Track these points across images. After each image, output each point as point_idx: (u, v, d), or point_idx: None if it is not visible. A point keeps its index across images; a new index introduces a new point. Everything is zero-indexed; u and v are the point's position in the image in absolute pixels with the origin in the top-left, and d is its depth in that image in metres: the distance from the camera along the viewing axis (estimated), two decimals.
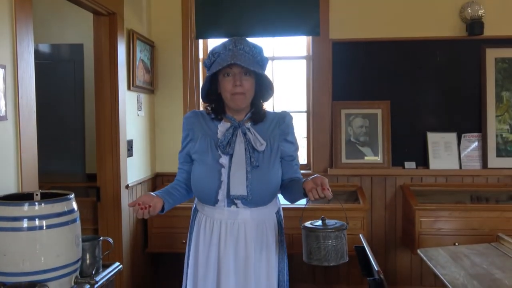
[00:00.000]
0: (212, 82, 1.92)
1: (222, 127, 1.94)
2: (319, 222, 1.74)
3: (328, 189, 1.68)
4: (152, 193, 1.84)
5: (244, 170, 1.85)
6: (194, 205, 2.05)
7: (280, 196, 2.06)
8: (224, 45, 1.88)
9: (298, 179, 1.94)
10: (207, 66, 1.92)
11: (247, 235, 1.90)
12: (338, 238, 1.70)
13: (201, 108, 2.10)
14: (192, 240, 1.99)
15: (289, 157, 1.97)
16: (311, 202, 1.76)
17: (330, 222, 1.74)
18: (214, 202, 1.90)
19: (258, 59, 1.90)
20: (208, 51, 1.96)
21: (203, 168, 1.90)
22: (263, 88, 1.94)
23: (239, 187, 1.84)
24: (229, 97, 1.87)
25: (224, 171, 1.87)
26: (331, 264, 1.71)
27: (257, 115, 1.95)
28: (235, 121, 1.92)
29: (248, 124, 1.94)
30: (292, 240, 3.25)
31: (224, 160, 1.88)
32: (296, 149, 2.01)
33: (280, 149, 1.94)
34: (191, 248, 1.99)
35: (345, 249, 1.73)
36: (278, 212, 2.03)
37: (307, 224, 1.75)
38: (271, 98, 2.01)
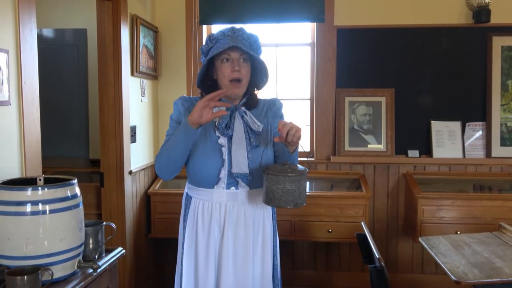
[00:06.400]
0: (208, 68, 1.94)
1: (218, 110, 1.92)
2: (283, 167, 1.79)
3: (287, 127, 1.73)
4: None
5: (244, 149, 1.90)
6: (186, 193, 2.05)
7: None
8: (222, 32, 1.91)
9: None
10: (204, 52, 1.93)
11: (247, 216, 1.94)
12: (295, 182, 1.74)
13: None
14: (187, 228, 1.98)
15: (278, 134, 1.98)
16: (288, 146, 1.84)
17: (293, 167, 1.80)
18: (214, 183, 1.92)
19: (255, 47, 1.92)
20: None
21: (203, 148, 1.91)
22: (258, 75, 1.96)
23: (241, 166, 1.88)
24: (227, 84, 1.88)
25: (224, 150, 1.90)
26: (281, 206, 1.76)
27: (251, 102, 1.99)
28: (231, 105, 1.95)
29: (243, 108, 1.98)
30: (294, 227, 3.27)
31: (222, 140, 1.91)
32: None
33: (273, 130, 1.99)
34: (185, 236, 1.98)
35: (297, 194, 1.76)
36: None
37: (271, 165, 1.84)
38: (266, 85, 2.02)
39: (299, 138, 1.79)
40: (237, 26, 1.95)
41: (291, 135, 1.75)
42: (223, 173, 1.90)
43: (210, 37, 1.92)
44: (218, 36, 1.90)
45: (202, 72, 1.94)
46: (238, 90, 1.90)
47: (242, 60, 1.88)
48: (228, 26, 1.95)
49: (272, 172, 1.76)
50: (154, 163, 3.60)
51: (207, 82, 1.96)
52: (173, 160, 1.87)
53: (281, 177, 1.74)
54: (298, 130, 1.77)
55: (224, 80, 1.89)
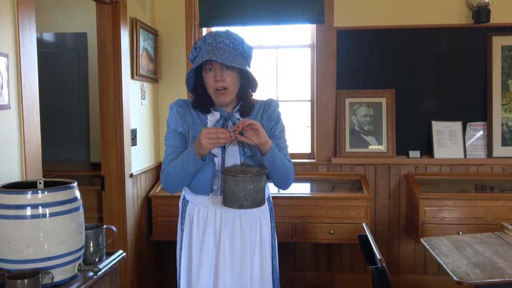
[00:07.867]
0: (198, 76, 1.90)
1: (212, 117, 1.93)
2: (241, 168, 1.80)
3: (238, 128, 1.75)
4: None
5: (238, 160, 1.87)
6: (183, 196, 2.05)
7: (270, 184, 2.08)
8: (204, 39, 1.85)
9: None
10: (191, 60, 1.90)
11: (243, 221, 1.93)
12: (249, 183, 1.73)
13: None
14: (185, 231, 1.98)
15: (273, 137, 1.95)
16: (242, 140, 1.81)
17: (250, 167, 1.80)
18: (209, 191, 1.92)
19: (241, 51, 1.85)
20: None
21: None
22: (250, 80, 1.90)
23: None
24: (213, 93, 1.86)
25: (217, 160, 1.89)
26: (234, 207, 1.76)
27: (246, 108, 1.94)
28: (224, 112, 1.92)
29: (237, 115, 1.93)
30: (295, 229, 3.26)
31: (216, 150, 1.88)
32: (280, 131, 2.00)
33: (268, 134, 1.92)
34: (183, 239, 1.98)
35: (250, 196, 1.74)
36: (268, 199, 2.05)
37: (229, 166, 1.83)
38: (257, 88, 1.96)
39: (253, 129, 1.77)
40: (222, 28, 1.89)
41: (242, 126, 1.75)
42: (217, 183, 1.90)
43: (195, 45, 1.88)
44: (201, 45, 1.85)
45: (192, 81, 1.91)
46: (224, 98, 1.86)
47: (226, 67, 1.82)
48: (227, 28, 1.92)
49: (231, 173, 1.74)
50: (154, 166, 3.62)
51: (198, 90, 1.92)
52: (184, 182, 1.91)
53: (240, 177, 1.72)
54: (250, 121, 1.75)
55: (209, 89, 1.86)
